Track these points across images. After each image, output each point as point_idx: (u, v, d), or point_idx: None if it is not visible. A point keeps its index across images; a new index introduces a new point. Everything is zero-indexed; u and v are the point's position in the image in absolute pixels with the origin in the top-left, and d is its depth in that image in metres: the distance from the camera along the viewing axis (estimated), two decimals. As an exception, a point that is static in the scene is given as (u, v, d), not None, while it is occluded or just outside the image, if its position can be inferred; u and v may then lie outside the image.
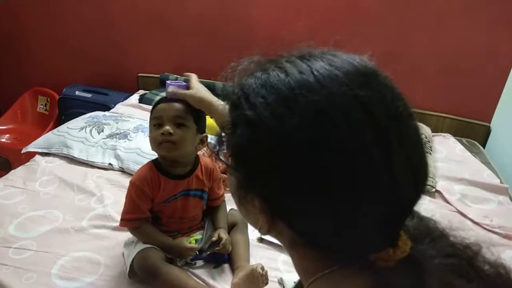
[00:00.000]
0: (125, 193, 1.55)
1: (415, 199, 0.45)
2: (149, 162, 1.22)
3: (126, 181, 1.65)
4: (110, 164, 1.74)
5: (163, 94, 1.35)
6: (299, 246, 0.48)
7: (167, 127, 1.10)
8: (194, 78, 1.15)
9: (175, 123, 1.11)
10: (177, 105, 1.12)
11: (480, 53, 2.03)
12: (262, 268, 1.13)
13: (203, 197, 1.25)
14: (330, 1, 2.13)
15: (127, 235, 1.32)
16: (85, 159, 1.76)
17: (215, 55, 2.40)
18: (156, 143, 1.12)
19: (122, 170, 1.73)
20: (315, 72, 0.43)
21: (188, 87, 1.12)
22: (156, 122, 1.12)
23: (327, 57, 0.46)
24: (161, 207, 1.19)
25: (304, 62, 0.45)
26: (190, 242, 1.19)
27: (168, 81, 1.16)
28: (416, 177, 0.44)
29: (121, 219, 1.19)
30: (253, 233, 1.39)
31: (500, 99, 2.11)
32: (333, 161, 0.40)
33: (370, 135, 0.40)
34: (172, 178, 1.18)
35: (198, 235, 1.24)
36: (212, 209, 1.32)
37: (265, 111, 0.43)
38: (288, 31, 2.19)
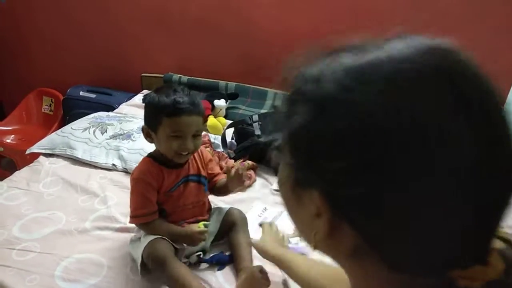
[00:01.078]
0: (129, 193, 1.56)
1: (508, 196, 0.38)
2: (146, 157, 1.23)
3: (129, 181, 1.65)
4: (113, 164, 1.74)
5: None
6: (362, 255, 0.40)
7: (191, 144, 1.14)
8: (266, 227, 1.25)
9: (193, 134, 1.15)
10: (199, 119, 1.15)
11: (486, 54, 2.00)
12: (262, 271, 1.12)
13: (201, 181, 1.27)
14: (333, -1, 2.11)
15: (130, 236, 1.33)
16: (89, 159, 1.76)
17: (218, 54, 2.40)
18: (172, 152, 1.15)
19: (126, 171, 1.72)
20: (389, 50, 0.38)
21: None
22: (176, 134, 1.13)
23: (397, 38, 0.41)
24: (166, 197, 1.21)
25: (374, 43, 0.40)
26: (199, 227, 1.18)
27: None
28: (509, 166, 0.37)
29: (132, 216, 1.19)
30: (256, 233, 1.38)
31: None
32: (414, 137, 0.34)
33: (457, 108, 0.35)
34: (173, 168, 1.21)
35: (206, 222, 1.23)
36: (217, 186, 1.31)
37: (334, 87, 0.38)
38: (291, 30, 2.20)
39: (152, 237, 1.16)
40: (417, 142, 0.35)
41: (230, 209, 1.35)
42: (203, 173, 1.28)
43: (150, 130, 1.17)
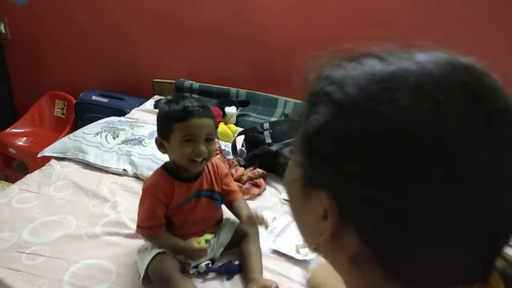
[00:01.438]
0: (138, 199, 1.56)
1: None
2: (158, 169, 1.22)
3: (139, 187, 1.65)
4: (124, 170, 1.75)
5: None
6: (364, 262, 0.40)
7: (203, 148, 1.12)
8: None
9: (206, 139, 1.13)
10: (209, 122, 1.14)
11: (494, 63, 1.97)
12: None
13: (214, 197, 1.25)
14: (344, 6, 2.10)
15: (139, 242, 1.32)
16: (100, 164, 1.77)
17: (229, 61, 2.41)
18: (186, 160, 1.13)
19: (136, 176, 1.73)
20: (416, 59, 0.39)
21: None
22: (188, 138, 1.11)
23: (421, 51, 0.42)
24: (176, 211, 1.19)
25: (400, 53, 0.41)
26: (199, 242, 1.17)
27: None
28: None
29: (138, 226, 1.20)
30: (265, 243, 1.37)
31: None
32: (433, 146, 0.34)
33: (480, 124, 0.35)
34: (185, 181, 1.19)
35: (208, 236, 1.20)
36: (232, 207, 1.30)
37: (358, 91, 0.38)
38: (302, 38, 2.20)
39: (157, 251, 1.15)
40: (438, 157, 0.34)
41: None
42: (217, 188, 1.26)
43: (162, 140, 1.17)
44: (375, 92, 0.38)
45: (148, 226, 1.17)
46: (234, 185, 1.34)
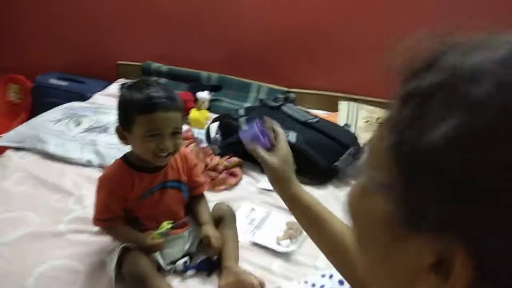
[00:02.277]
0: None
1: None
2: (118, 159, 1.14)
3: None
4: (88, 160, 1.63)
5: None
6: None
7: (169, 143, 1.04)
8: (282, 139, 0.83)
9: (172, 132, 1.05)
10: (177, 115, 1.05)
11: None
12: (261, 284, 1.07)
13: (181, 189, 1.18)
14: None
15: (108, 240, 1.23)
16: (62, 154, 1.64)
17: (200, 43, 2.29)
18: (150, 154, 1.05)
19: (102, 167, 1.61)
20: None
21: (271, 145, 0.82)
22: (152, 133, 1.03)
23: None
24: (137, 204, 1.12)
25: None
26: (153, 238, 1.08)
27: (255, 124, 0.83)
28: None
29: (94, 218, 1.13)
30: (244, 235, 1.32)
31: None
32: None
33: None
34: (148, 172, 1.11)
35: (164, 227, 1.08)
36: (192, 203, 1.24)
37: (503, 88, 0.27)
38: (278, 19, 2.12)
39: (123, 245, 1.07)
40: None
41: (218, 204, 1.29)
42: (184, 179, 1.18)
43: (124, 130, 1.07)
44: None
45: (103, 219, 1.11)
46: (201, 179, 1.27)
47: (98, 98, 2.17)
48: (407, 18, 1.99)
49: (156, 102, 1.00)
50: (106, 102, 2.11)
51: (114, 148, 1.63)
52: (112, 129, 1.72)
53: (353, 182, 0.38)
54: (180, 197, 1.18)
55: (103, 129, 1.75)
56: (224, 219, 1.24)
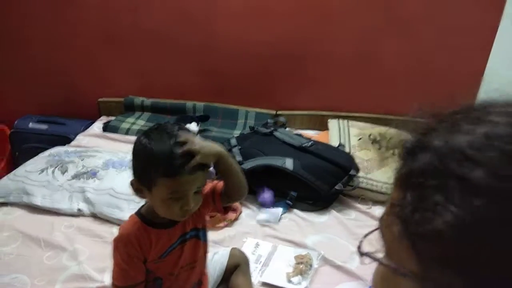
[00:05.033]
0: (101, 243, 1.38)
1: None
2: (132, 216, 1.02)
3: (100, 228, 1.48)
4: (79, 209, 1.55)
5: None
6: None
7: (192, 204, 0.92)
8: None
9: (196, 191, 0.94)
10: (201, 175, 0.92)
11: (452, 57, 2.00)
12: None
13: (199, 236, 1.07)
14: (298, 6, 2.02)
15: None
16: (50, 206, 1.55)
17: (182, 72, 2.25)
18: (173, 214, 0.95)
19: (95, 216, 1.53)
20: None
21: None
22: (176, 196, 0.91)
23: None
24: (158, 264, 1.01)
25: None
26: None
27: None
28: None
29: (112, 284, 1.01)
30: (252, 275, 1.26)
31: (477, 100, 2.09)
32: None
33: None
34: (165, 228, 0.99)
35: None
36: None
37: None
38: (260, 41, 2.10)
39: None
40: None
41: (232, 250, 1.24)
42: (200, 224, 1.07)
43: (141, 186, 0.94)
44: None
45: (122, 286, 0.99)
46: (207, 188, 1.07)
47: (82, 139, 2.09)
48: (391, 35, 2.01)
49: (179, 168, 0.87)
50: (90, 143, 2.03)
51: (105, 194, 1.56)
52: (101, 172, 1.67)
53: (376, 266, 0.38)
54: (200, 245, 1.07)
55: (91, 173, 1.67)
56: (239, 266, 1.19)
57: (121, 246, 0.97)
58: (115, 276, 1.00)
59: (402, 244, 0.32)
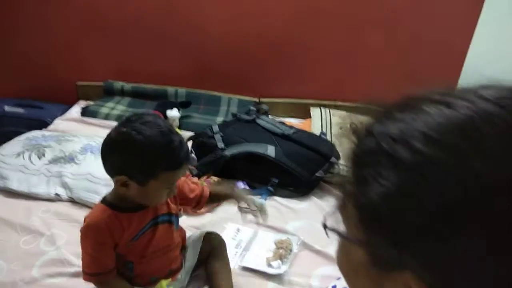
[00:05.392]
0: (79, 228, 1.37)
1: None
2: (98, 205, 1.01)
3: (78, 213, 1.45)
4: (57, 194, 1.52)
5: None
6: None
7: (175, 190, 1.00)
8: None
9: None
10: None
11: (433, 48, 2.03)
12: None
13: (172, 221, 1.08)
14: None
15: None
16: (27, 191, 1.52)
17: (164, 57, 2.21)
18: (158, 201, 1.01)
19: (72, 200, 1.51)
20: (487, 96, 0.33)
21: None
22: (170, 186, 0.96)
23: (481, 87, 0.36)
24: (128, 248, 1.01)
25: (460, 93, 0.35)
26: None
27: None
28: None
29: (83, 272, 1.01)
30: (233, 260, 1.27)
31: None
32: None
33: None
34: (135, 211, 0.99)
35: (164, 284, 1.05)
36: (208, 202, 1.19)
37: (429, 146, 0.32)
38: (244, 28, 2.08)
39: None
40: None
41: (207, 234, 1.23)
42: (173, 209, 1.08)
43: (132, 181, 0.93)
44: (457, 145, 0.31)
45: (93, 273, 0.99)
46: (196, 186, 1.16)
47: (59, 123, 2.04)
48: (375, 25, 2.03)
49: (182, 159, 0.93)
50: (68, 127, 1.99)
51: (83, 179, 1.54)
52: (79, 157, 1.64)
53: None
54: (172, 230, 1.09)
55: (69, 158, 1.64)
56: (215, 250, 1.19)
57: (91, 234, 0.97)
58: (85, 264, 1.00)
59: (349, 214, 0.37)
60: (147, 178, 0.91)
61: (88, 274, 0.99)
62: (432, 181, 0.31)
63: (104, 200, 1.01)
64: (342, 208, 0.39)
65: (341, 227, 0.40)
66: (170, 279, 1.07)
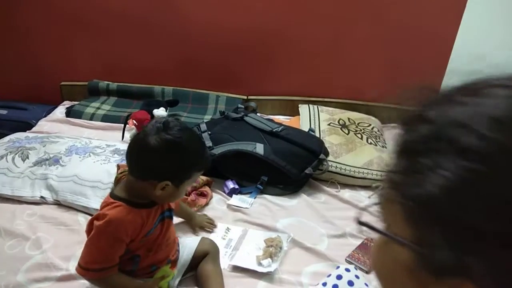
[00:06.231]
0: (66, 231, 1.35)
1: None
2: (115, 203, 0.99)
3: (64, 216, 1.43)
4: (42, 197, 1.49)
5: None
6: None
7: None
8: None
9: None
10: None
11: (420, 41, 2.04)
12: None
13: (172, 216, 1.12)
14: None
15: (78, 285, 1.13)
16: (10, 194, 1.49)
17: (150, 55, 2.18)
18: (178, 199, 1.11)
19: (58, 203, 1.48)
20: None
21: None
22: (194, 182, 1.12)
23: None
24: (142, 243, 1.02)
25: None
26: (161, 287, 1.05)
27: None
28: None
29: (82, 267, 0.98)
30: (223, 259, 1.26)
31: (442, 85, 2.15)
32: None
33: None
34: (148, 207, 1.02)
35: (169, 274, 1.08)
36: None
37: (502, 133, 0.29)
38: (231, 25, 2.06)
39: None
40: None
41: (203, 239, 1.25)
42: (172, 205, 1.12)
43: (171, 182, 0.96)
44: None
45: (96, 269, 0.97)
46: None
47: (44, 125, 2.00)
48: (361, 21, 2.02)
49: (208, 159, 1.07)
50: (52, 128, 1.95)
51: (69, 181, 1.51)
52: (64, 159, 1.60)
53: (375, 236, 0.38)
54: (172, 224, 1.13)
55: (54, 160, 1.60)
56: (208, 254, 1.19)
57: (111, 230, 0.95)
58: (91, 261, 0.98)
59: (395, 209, 0.33)
60: (184, 179, 0.99)
61: (91, 270, 0.97)
62: (503, 172, 0.27)
63: (118, 197, 1.00)
64: (385, 202, 0.35)
65: (378, 224, 0.37)
66: (170, 265, 1.10)
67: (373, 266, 0.39)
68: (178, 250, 1.17)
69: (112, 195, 1.01)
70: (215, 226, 1.40)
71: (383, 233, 0.35)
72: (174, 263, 1.14)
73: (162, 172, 0.96)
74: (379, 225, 0.37)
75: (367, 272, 1.25)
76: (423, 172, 0.30)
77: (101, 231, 0.95)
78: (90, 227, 0.99)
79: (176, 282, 1.15)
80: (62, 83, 2.27)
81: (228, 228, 1.41)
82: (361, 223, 0.37)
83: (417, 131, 0.33)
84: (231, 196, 1.56)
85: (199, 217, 1.40)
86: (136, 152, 0.97)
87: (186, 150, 0.96)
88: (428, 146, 0.31)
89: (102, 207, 1.00)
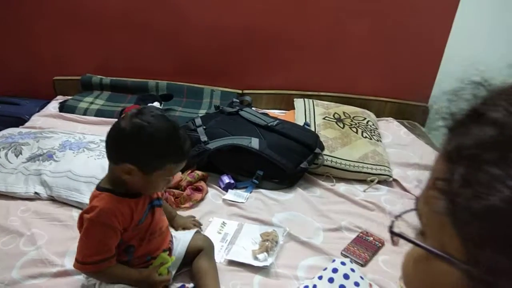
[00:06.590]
0: (61, 227, 1.34)
1: None
2: (101, 194, 1.00)
3: (59, 212, 1.42)
4: (36, 193, 1.47)
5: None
6: None
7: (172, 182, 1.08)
8: None
9: None
10: None
11: (415, 37, 2.04)
12: None
13: (161, 204, 1.12)
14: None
15: (73, 281, 1.13)
16: (4, 190, 1.47)
17: (145, 49, 2.17)
18: (155, 190, 1.06)
19: (52, 199, 1.47)
20: None
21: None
22: (170, 176, 1.03)
23: None
24: (134, 232, 1.02)
25: None
26: (160, 273, 1.05)
27: None
28: None
29: (81, 262, 0.98)
30: (219, 254, 1.26)
31: (436, 79, 2.16)
32: None
33: None
34: (136, 197, 1.02)
35: (168, 261, 1.08)
36: None
37: None
38: (221, 19, 2.05)
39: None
40: None
41: (197, 234, 1.24)
42: (160, 194, 1.13)
43: (138, 170, 0.94)
44: None
45: (95, 261, 0.97)
46: None
47: (37, 120, 1.98)
48: (356, 16, 2.02)
49: (186, 153, 0.99)
50: (45, 124, 1.94)
51: (63, 177, 1.49)
52: (58, 154, 1.59)
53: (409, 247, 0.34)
54: (162, 212, 1.13)
55: (47, 155, 1.59)
56: (203, 250, 1.19)
57: (103, 219, 0.96)
58: (89, 254, 0.98)
59: (444, 222, 0.28)
60: (153, 169, 0.95)
61: (90, 263, 0.97)
62: None
63: (104, 188, 1.00)
64: (430, 213, 0.30)
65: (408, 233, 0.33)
66: (167, 252, 1.11)
67: (407, 283, 0.34)
68: (172, 241, 1.16)
69: (98, 187, 1.02)
70: (200, 229, 1.35)
71: (431, 251, 0.30)
72: (170, 251, 1.14)
73: (125, 153, 0.95)
74: (413, 235, 0.33)
75: (362, 265, 1.26)
76: (488, 183, 0.26)
77: (93, 222, 0.96)
78: (81, 221, 0.99)
79: (172, 273, 1.15)
80: (55, 77, 2.24)
81: (224, 222, 1.41)
82: (395, 234, 0.33)
83: (478, 134, 0.28)
84: (226, 191, 1.56)
85: (182, 218, 1.36)
86: (108, 135, 0.98)
87: (152, 136, 0.93)
88: (493, 152, 0.26)
89: (90, 200, 1.01)
